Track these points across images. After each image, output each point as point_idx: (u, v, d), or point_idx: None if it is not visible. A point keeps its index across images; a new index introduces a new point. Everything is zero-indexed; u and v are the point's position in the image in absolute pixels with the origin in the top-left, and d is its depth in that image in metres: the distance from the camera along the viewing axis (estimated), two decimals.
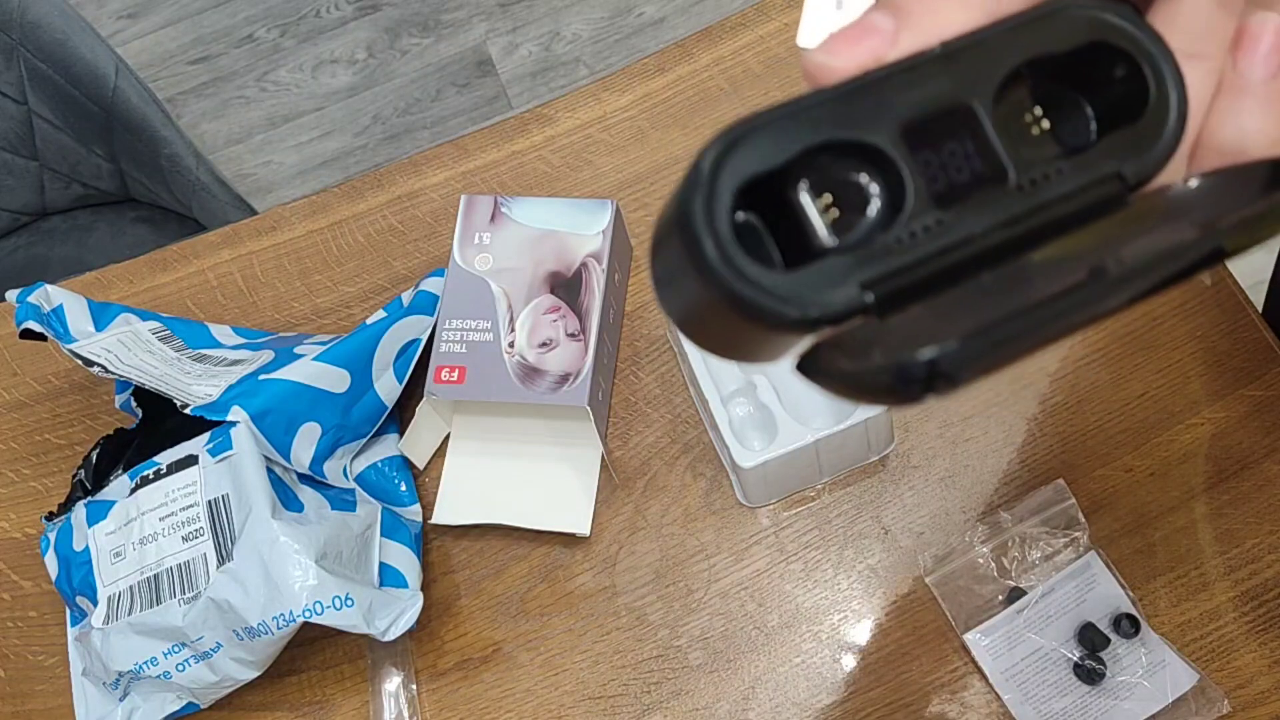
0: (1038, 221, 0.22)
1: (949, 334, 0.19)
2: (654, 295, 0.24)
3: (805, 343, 0.22)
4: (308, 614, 0.56)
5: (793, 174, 0.22)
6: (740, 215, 0.22)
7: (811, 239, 0.22)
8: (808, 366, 0.22)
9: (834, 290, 0.21)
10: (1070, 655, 0.59)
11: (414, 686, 0.64)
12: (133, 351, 0.65)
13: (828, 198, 0.22)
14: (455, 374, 0.65)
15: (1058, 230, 0.22)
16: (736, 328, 0.22)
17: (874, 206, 0.22)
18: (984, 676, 0.60)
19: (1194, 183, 0.23)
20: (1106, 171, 0.23)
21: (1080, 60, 0.23)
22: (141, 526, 0.60)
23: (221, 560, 0.58)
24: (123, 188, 1.13)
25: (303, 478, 0.64)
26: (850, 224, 0.22)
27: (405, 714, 0.64)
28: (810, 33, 0.28)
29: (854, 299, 0.21)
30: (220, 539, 0.59)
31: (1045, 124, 0.23)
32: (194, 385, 0.63)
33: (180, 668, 0.59)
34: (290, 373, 0.63)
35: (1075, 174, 0.23)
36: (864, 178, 0.22)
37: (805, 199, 0.22)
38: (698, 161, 0.21)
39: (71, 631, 0.67)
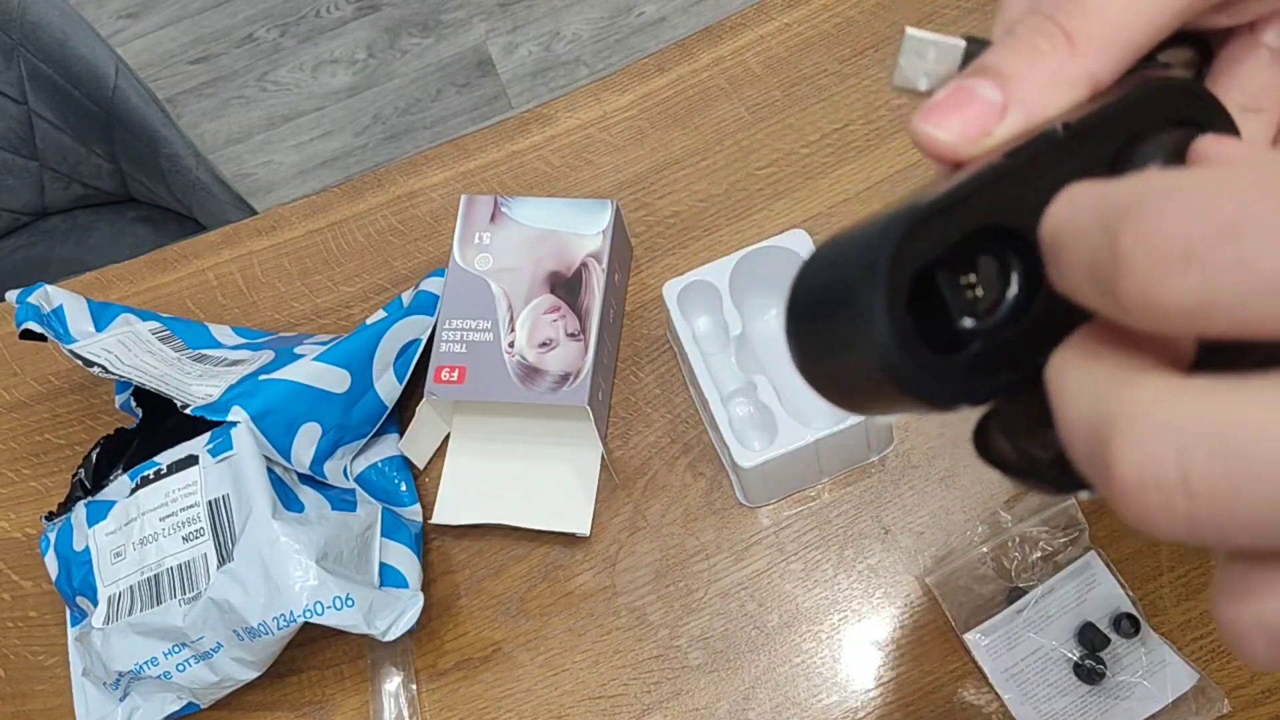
0: None
1: None
2: (793, 360, 0.25)
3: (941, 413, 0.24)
4: (308, 614, 0.56)
5: (941, 259, 0.23)
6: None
7: (955, 321, 0.23)
8: (985, 450, 0.23)
9: (987, 375, 0.23)
10: (1070, 655, 0.59)
11: (414, 686, 0.64)
12: (133, 352, 0.65)
13: (970, 279, 0.23)
14: (455, 374, 0.65)
15: None
16: (891, 401, 0.23)
17: (1012, 290, 0.23)
18: (984, 676, 0.60)
19: None
20: None
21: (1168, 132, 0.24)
22: (142, 526, 0.60)
23: (222, 560, 0.58)
24: (123, 188, 1.13)
25: (303, 478, 0.64)
26: (992, 307, 0.23)
27: (405, 714, 0.64)
28: (906, 74, 0.28)
29: (1007, 381, 0.23)
30: (221, 539, 0.59)
31: None
32: (194, 385, 0.63)
33: (180, 668, 0.59)
34: (290, 373, 0.63)
35: None
36: (1003, 260, 0.23)
37: (950, 282, 0.23)
38: (878, 247, 0.22)
39: (71, 631, 0.67)
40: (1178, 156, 0.23)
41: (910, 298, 0.22)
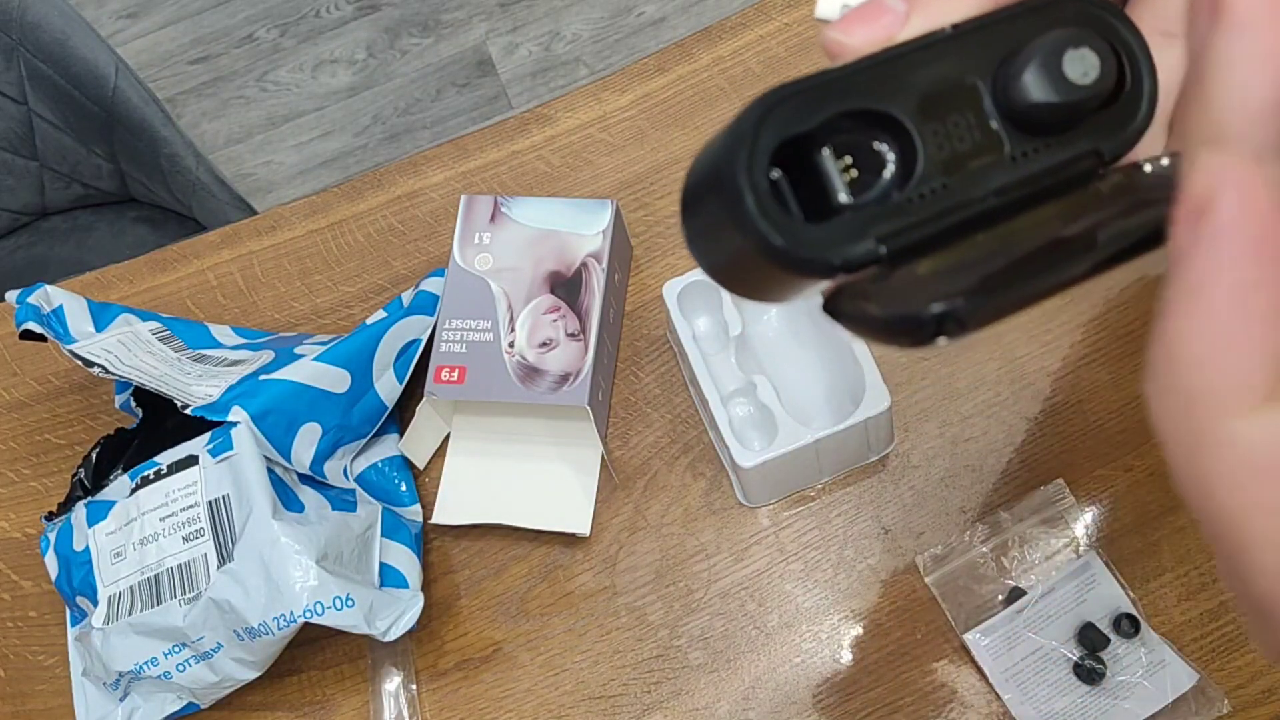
0: (1026, 190, 0.25)
1: (954, 290, 0.22)
2: (686, 246, 0.27)
3: (819, 287, 0.25)
4: (308, 614, 0.56)
5: (817, 138, 0.24)
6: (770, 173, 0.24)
7: (831, 197, 0.24)
8: (835, 309, 0.25)
9: (854, 243, 0.24)
10: (1070, 655, 0.59)
11: (414, 686, 0.64)
12: (133, 352, 0.65)
13: (847, 160, 0.25)
14: (455, 374, 0.65)
15: (1043, 197, 0.26)
16: (765, 273, 0.24)
17: (889, 170, 0.25)
18: (984, 676, 0.60)
19: (1165, 160, 0.25)
20: (1085, 149, 0.26)
21: None
22: (142, 527, 0.60)
23: (222, 560, 0.58)
24: (123, 188, 1.13)
25: (303, 478, 0.64)
26: (866, 185, 0.25)
27: (405, 714, 0.64)
28: (826, 5, 0.30)
29: (871, 251, 0.24)
30: (221, 539, 0.59)
31: None
32: (194, 385, 0.63)
33: (180, 668, 0.59)
34: (290, 373, 0.63)
35: (1060, 149, 0.25)
36: (880, 144, 0.25)
37: (828, 160, 0.24)
38: (740, 122, 0.23)
39: (71, 631, 0.67)
40: (1055, 57, 0.24)
41: (794, 176, 0.24)
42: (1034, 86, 0.24)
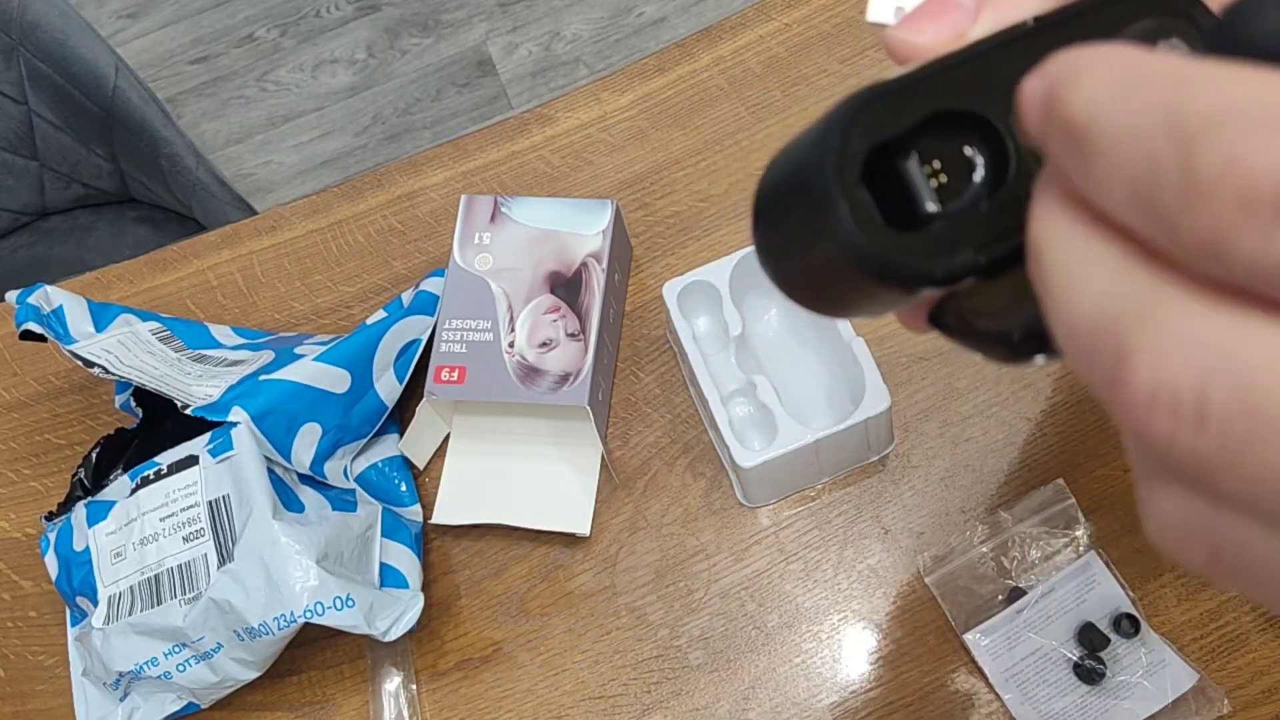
0: None
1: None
2: (760, 258, 0.25)
3: (907, 301, 0.24)
4: (309, 615, 0.56)
5: (902, 143, 0.23)
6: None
7: (919, 204, 0.23)
8: (940, 322, 0.24)
9: (953, 253, 0.23)
10: (1070, 655, 0.59)
11: (414, 686, 0.64)
12: (133, 352, 0.65)
13: (934, 165, 0.23)
14: (455, 374, 0.65)
15: None
16: (856, 288, 0.23)
17: (979, 174, 0.24)
18: (984, 676, 0.60)
19: None
20: None
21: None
22: (142, 527, 0.60)
23: (222, 561, 0.58)
24: (123, 188, 1.14)
25: (303, 478, 0.64)
26: (955, 191, 0.23)
27: (405, 714, 0.64)
28: (878, 7, 0.29)
29: (970, 261, 0.23)
30: (221, 539, 0.59)
31: None
32: (194, 386, 0.63)
33: (181, 668, 0.59)
34: (291, 373, 0.63)
35: None
36: (969, 148, 0.24)
37: (914, 167, 0.23)
38: (829, 127, 0.22)
39: (71, 631, 0.67)
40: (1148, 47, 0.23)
41: (874, 183, 0.23)
42: None
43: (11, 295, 0.66)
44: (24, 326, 0.64)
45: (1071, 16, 0.24)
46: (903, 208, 0.23)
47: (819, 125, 0.23)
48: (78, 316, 0.67)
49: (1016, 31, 0.23)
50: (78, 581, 0.62)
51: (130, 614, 0.59)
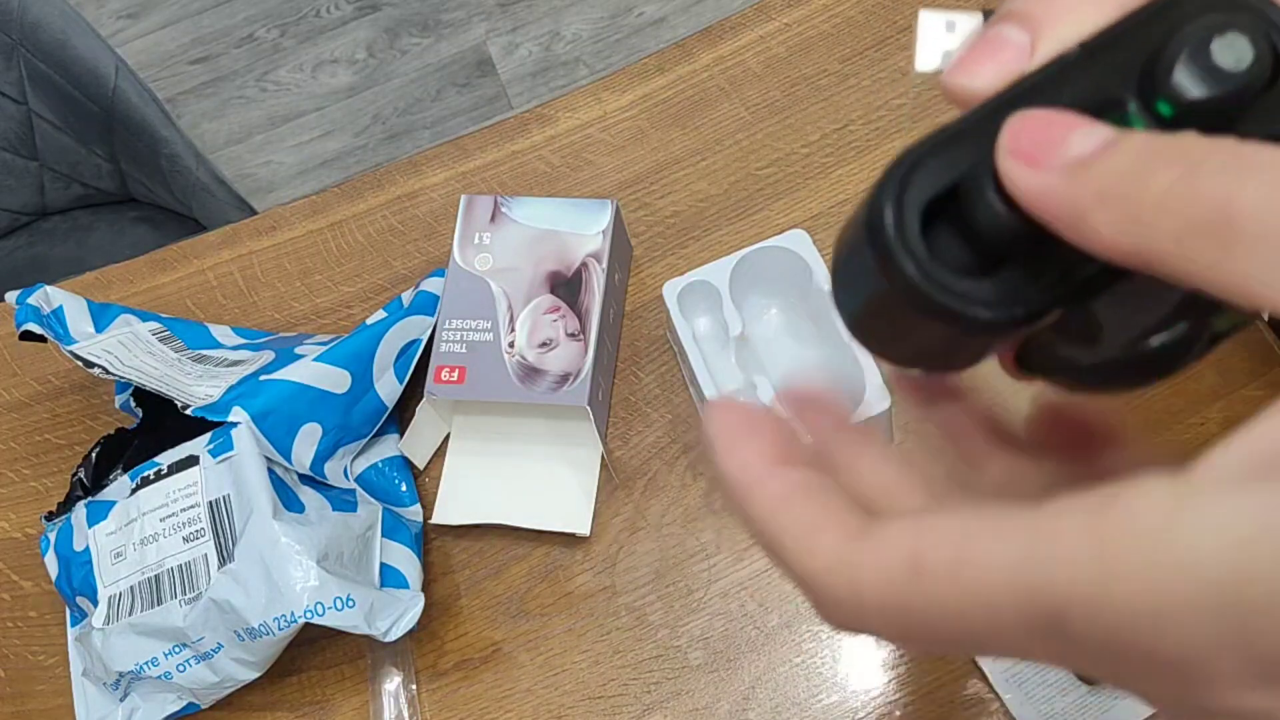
0: None
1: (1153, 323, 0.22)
2: (850, 333, 0.26)
3: (998, 346, 0.24)
4: (309, 615, 0.56)
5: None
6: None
7: (987, 248, 0.23)
8: (1029, 364, 0.24)
9: (1030, 292, 0.22)
10: None
11: (414, 686, 0.64)
12: (133, 352, 0.65)
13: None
14: (455, 374, 0.65)
15: None
16: (940, 338, 0.23)
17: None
18: (984, 676, 0.60)
19: None
20: (1259, 134, 0.23)
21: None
22: (142, 527, 0.60)
23: (222, 561, 0.58)
24: (123, 188, 1.14)
25: (304, 478, 0.64)
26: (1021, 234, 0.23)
27: (405, 714, 0.64)
28: (927, 57, 0.28)
29: (1047, 297, 0.22)
30: (221, 540, 0.59)
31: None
32: (194, 386, 0.63)
33: (181, 668, 0.59)
34: (291, 373, 0.63)
35: None
36: None
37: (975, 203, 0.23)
38: (884, 188, 0.22)
39: (71, 631, 0.67)
40: (1202, 49, 0.22)
41: (939, 229, 0.22)
42: (1187, 85, 0.22)
43: (11, 295, 0.66)
44: (24, 327, 0.64)
45: (1116, 36, 0.23)
46: (971, 250, 0.23)
47: (877, 185, 0.23)
48: (77, 317, 0.67)
49: (1063, 60, 0.23)
50: (78, 581, 0.62)
51: (130, 614, 0.59)
